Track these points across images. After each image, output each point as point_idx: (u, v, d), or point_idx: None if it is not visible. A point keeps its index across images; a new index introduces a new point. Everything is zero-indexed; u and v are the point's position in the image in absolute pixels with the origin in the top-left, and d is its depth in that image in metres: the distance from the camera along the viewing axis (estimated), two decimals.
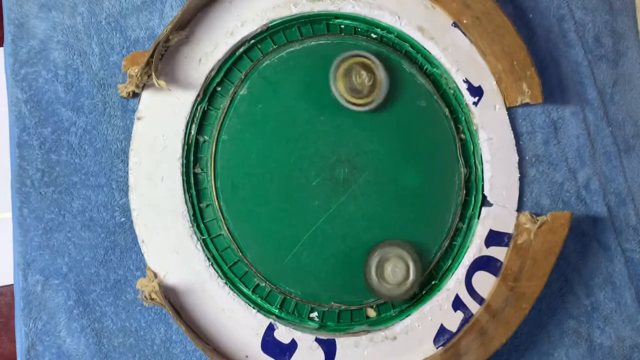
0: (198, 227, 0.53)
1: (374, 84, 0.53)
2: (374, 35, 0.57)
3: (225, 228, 0.52)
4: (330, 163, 0.54)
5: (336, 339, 0.54)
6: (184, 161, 0.53)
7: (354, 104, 0.53)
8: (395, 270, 0.53)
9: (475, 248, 0.57)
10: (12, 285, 0.53)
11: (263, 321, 0.53)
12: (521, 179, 0.59)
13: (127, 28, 0.54)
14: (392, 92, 0.55)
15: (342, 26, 0.57)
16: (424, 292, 0.56)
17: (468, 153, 0.58)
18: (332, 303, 0.54)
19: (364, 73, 0.53)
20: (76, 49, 0.53)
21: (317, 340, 0.53)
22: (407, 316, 0.55)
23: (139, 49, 0.54)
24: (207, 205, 0.53)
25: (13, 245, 0.52)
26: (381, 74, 0.53)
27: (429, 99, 0.57)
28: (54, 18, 0.53)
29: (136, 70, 0.50)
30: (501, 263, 0.57)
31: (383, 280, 0.53)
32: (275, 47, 0.55)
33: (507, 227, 0.58)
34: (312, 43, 0.55)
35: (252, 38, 0.55)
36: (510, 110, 0.59)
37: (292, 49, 0.55)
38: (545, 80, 0.60)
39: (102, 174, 0.52)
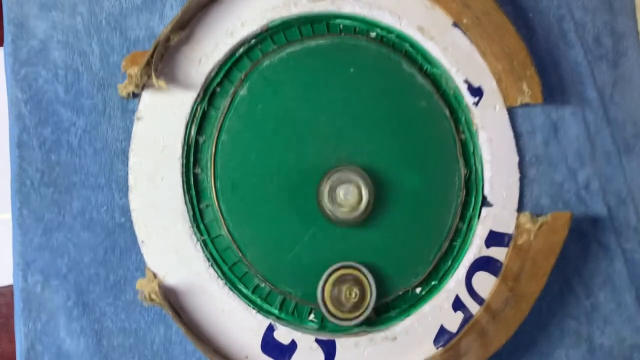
0: (198, 227, 0.53)
1: (360, 302, 0.52)
2: (373, 35, 0.57)
3: (225, 228, 0.52)
4: (331, 163, 0.54)
5: (336, 340, 0.54)
6: (184, 161, 0.53)
7: (335, 316, 0.52)
8: (347, 194, 0.52)
9: (475, 248, 0.57)
10: (11, 285, 0.53)
11: (263, 322, 0.53)
12: (521, 179, 0.59)
13: (127, 28, 0.54)
14: (392, 92, 0.55)
15: (342, 26, 0.57)
16: (424, 292, 0.56)
17: (468, 153, 0.58)
18: None
19: (353, 289, 0.52)
20: (76, 49, 0.53)
21: (317, 340, 0.53)
22: (407, 316, 0.55)
23: (139, 49, 0.54)
24: (207, 206, 0.53)
25: (13, 245, 0.52)
26: (371, 294, 0.52)
27: (429, 99, 0.57)
28: (54, 18, 0.53)
29: (136, 70, 0.50)
30: (501, 263, 0.57)
31: (337, 204, 0.52)
32: (275, 47, 0.55)
33: (507, 227, 0.58)
34: (312, 43, 0.55)
35: (252, 38, 0.55)
36: (510, 110, 0.59)
37: (292, 49, 0.55)
38: (545, 80, 0.60)
39: (102, 174, 0.52)
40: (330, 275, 0.52)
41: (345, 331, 0.54)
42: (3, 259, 0.61)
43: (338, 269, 0.52)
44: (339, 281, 0.52)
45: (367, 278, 0.52)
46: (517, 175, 0.59)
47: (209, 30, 0.54)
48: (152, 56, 0.50)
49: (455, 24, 0.58)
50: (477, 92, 0.58)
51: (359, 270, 0.52)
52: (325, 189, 0.52)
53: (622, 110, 0.64)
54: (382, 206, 0.55)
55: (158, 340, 0.52)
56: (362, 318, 0.52)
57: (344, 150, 0.54)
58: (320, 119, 0.54)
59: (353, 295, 0.52)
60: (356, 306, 0.52)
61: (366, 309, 0.52)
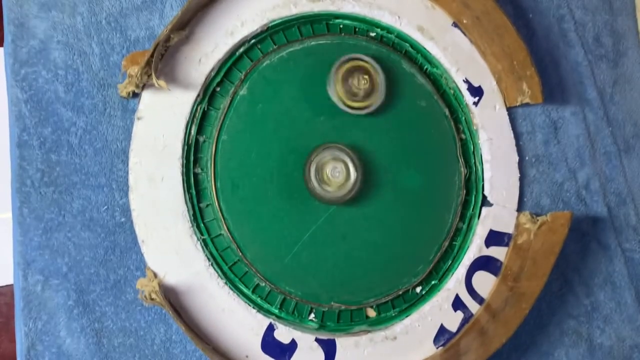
0: (198, 227, 0.53)
1: (371, 87, 0.53)
2: (373, 35, 0.57)
3: (225, 228, 0.52)
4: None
5: (336, 339, 0.54)
6: (184, 161, 0.53)
7: (351, 107, 0.53)
8: (334, 172, 0.52)
9: (475, 248, 0.57)
10: (12, 285, 0.53)
11: (263, 321, 0.53)
12: (521, 179, 0.59)
13: (127, 28, 0.54)
14: (392, 92, 0.55)
15: (342, 26, 0.57)
16: (424, 291, 0.56)
17: (468, 153, 0.58)
18: (332, 303, 0.54)
19: (361, 77, 0.53)
20: (76, 48, 0.53)
21: (317, 340, 0.53)
22: (407, 316, 0.55)
23: (139, 49, 0.54)
24: (207, 205, 0.53)
25: (13, 245, 0.52)
26: (379, 77, 0.53)
27: (429, 99, 0.57)
28: (54, 18, 0.53)
29: (136, 70, 0.50)
30: (501, 263, 0.57)
31: (324, 184, 0.52)
32: (275, 47, 0.55)
33: (507, 227, 0.58)
34: (312, 43, 0.55)
35: (252, 38, 0.55)
36: (510, 110, 0.59)
37: (292, 49, 0.55)
38: (545, 80, 0.60)
39: (102, 174, 0.52)
40: (338, 69, 0.53)
41: (346, 330, 0.54)
42: (3, 259, 0.61)
43: (345, 61, 0.53)
44: (348, 73, 0.53)
45: (373, 67, 0.53)
46: (517, 175, 0.59)
47: (209, 30, 0.54)
48: (152, 56, 0.50)
49: (455, 24, 0.58)
50: (477, 91, 0.58)
51: (365, 61, 0.53)
52: (312, 168, 0.52)
53: (622, 110, 0.64)
54: (382, 206, 0.55)
55: (158, 340, 0.52)
56: (377, 104, 0.53)
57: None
58: (320, 118, 0.54)
59: (363, 82, 0.53)
60: (368, 94, 0.53)
61: (378, 94, 0.53)
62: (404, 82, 0.56)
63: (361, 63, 0.53)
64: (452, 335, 0.56)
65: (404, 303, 0.56)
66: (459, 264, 0.57)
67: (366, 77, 0.53)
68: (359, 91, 0.53)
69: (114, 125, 0.53)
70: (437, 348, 0.55)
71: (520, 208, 0.59)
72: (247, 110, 0.53)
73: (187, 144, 0.53)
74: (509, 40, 0.57)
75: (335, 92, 0.53)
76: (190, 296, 0.52)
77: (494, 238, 0.57)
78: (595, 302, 0.61)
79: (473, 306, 0.56)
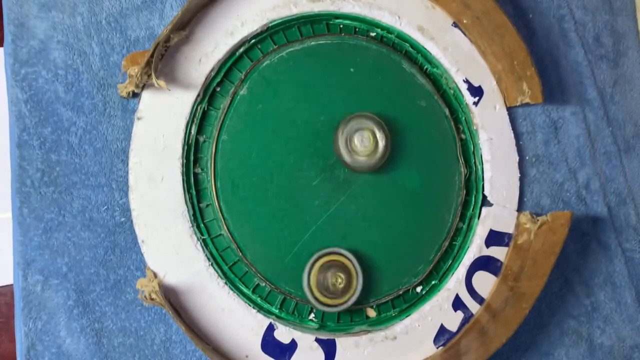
0: (198, 227, 0.53)
1: (348, 286, 0.52)
2: (373, 35, 0.57)
3: (225, 228, 0.52)
4: (330, 163, 0.54)
5: (336, 339, 0.54)
6: (184, 161, 0.53)
7: (322, 303, 0.52)
8: (363, 140, 0.52)
9: (475, 248, 0.57)
10: (12, 285, 0.53)
11: (263, 321, 0.53)
12: (521, 179, 0.59)
13: (127, 28, 0.54)
14: (392, 92, 0.55)
15: (342, 26, 0.57)
16: (424, 291, 0.56)
17: (468, 153, 0.58)
18: None
19: (339, 275, 0.52)
20: (76, 49, 0.53)
21: (317, 340, 0.53)
22: (407, 316, 0.55)
23: (139, 49, 0.54)
24: (207, 205, 0.53)
25: (13, 245, 0.52)
26: (357, 277, 0.52)
27: (429, 99, 0.57)
28: (54, 18, 0.53)
29: (136, 70, 0.50)
30: (501, 263, 0.57)
31: (354, 153, 0.52)
32: (275, 47, 0.55)
33: (508, 227, 0.58)
34: (312, 43, 0.55)
35: (252, 38, 0.55)
36: (511, 110, 0.59)
37: (292, 49, 0.55)
38: (545, 80, 0.60)
39: (102, 174, 0.52)
40: (314, 263, 0.52)
41: (346, 330, 0.54)
42: (3, 259, 0.61)
43: (322, 256, 0.52)
44: (324, 268, 0.52)
45: (352, 263, 0.52)
46: (517, 175, 0.59)
47: (209, 30, 0.54)
48: (152, 56, 0.50)
49: (455, 24, 0.58)
50: (477, 91, 0.58)
51: (344, 255, 0.52)
52: (342, 137, 0.52)
53: (622, 110, 0.64)
54: (382, 206, 0.55)
55: (158, 340, 0.52)
56: (350, 302, 0.52)
57: None
58: (320, 118, 0.54)
59: (339, 280, 0.52)
60: (344, 291, 0.52)
61: (354, 293, 0.52)
62: (404, 82, 0.56)
63: (341, 259, 0.52)
64: (452, 335, 0.56)
65: (404, 303, 0.56)
66: (459, 264, 0.57)
67: (342, 275, 0.52)
68: (334, 289, 0.52)
69: (114, 125, 0.53)
70: (437, 348, 0.55)
71: (520, 208, 0.59)
72: (247, 110, 0.53)
73: (187, 144, 0.53)
74: (509, 40, 0.57)
75: (308, 285, 0.52)
76: (190, 296, 0.52)
77: (494, 238, 0.57)
78: (595, 302, 0.61)
79: (473, 306, 0.56)
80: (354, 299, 0.52)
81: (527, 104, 0.59)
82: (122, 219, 0.52)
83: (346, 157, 0.52)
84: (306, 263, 0.52)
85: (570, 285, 0.60)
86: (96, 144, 0.53)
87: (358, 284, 0.52)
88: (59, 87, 0.53)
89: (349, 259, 0.52)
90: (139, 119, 0.52)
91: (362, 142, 0.52)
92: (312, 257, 0.52)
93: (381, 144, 0.52)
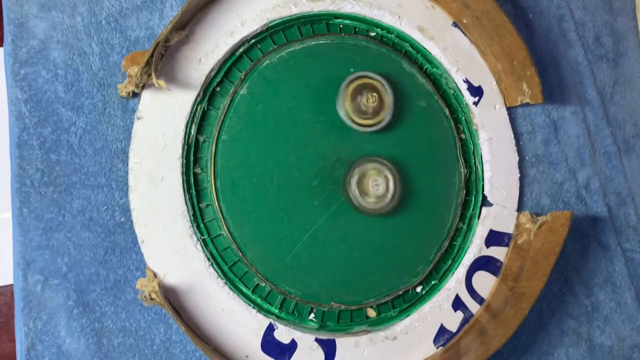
0: (198, 227, 0.53)
1: (380, 105, 0.53)
2: (373, 35, 0.57)
3: (225, 228, 0.52)
4: (330, 163, 0.54)
5: (336, 339, 0.54)
6: (184, 161, 0.53)
7: (359, 124, 0.53)
8: (375, 184, 0.53)
9: (475, 248, 0.57)
10: (12, 285, 0.53)
11: (263, 321, 0.53)
12: (521, 179, 0.59)
13: (127, 28, 0.54)
14: (392, 92, 0.55)
15: (342, 26, 0.57)
16: (424, 291, 0.56)
17: (468, 153, 0.58)
18: (332, 303, 0.54)
19: (370, 95, 0.53)
20: (76, 48, 0.53)
21: (317, 340, 0.53)
22: (407, 316, 0.55)
23: (139, 49, 0.54)
24: (207, 205, 0.53)
25: (13, 245, 0.52)
26: (388, 96, 0.53)
27: (429, 99, 0.57)
28: (53, 18, 0.53)
29: (136, 70, 0.50)
30: (501, 263, 0.57)
31: (365, 195, 0.53)
32: (275, 47, 0.55)
33: (507, 227, 0.58)
34: (312, 43, 0.55)
35: (252, 38, 0.55)
36: (510, 110, 0.59)
37: (292, 49, 0.55)
38: (545, 80, 0.60)
39: (102, 174, 0.52)
40: (347, 87, 0.53)
41: (346, 330, 0.54)
42: (3, 259, 0.61)
43: (353, 80, 0.53)
44: (357, 91, 0.53)
45: (382, 84, 0.53)
46: (517, 175, 0.59)
47: (209, 30, 0.54)
48: (152, 56, 0.50)
49: (455, 24, 0.58)
50: (477, 91, 0.58)
51: (373, 78, 0.54)
52: (354, 180, 0.53)
53: (622, 110, 0.64)
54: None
55: (158, 340, 0.52)
56: (386, 121, 0.54)
57: (344, 150, 0.55)
58: (320, 118, 0.54)
59: (372, 100, 0.53)
60: (376, 111, 0.53)
61: (388, 110, 0.54)
62: (404, 82, 0.56)
63: (370, 81, 0.53)
64: (452, 335, 0.56)
65: (404, 303, 0.56)
66: (459, 264, 0.57)
67: (375, 94, 0.53)
68: (367, 109, 0.53)
69: (114, 125, 0.53)
70: (437, 348, 0.55)
71: (520, 208, 0.59)
72: (247, 110, 0.53)
73: (187, 143, 0.53)
74: (509, 40, 0.57)
75: (344, 109, 0.53)
76: (190, 296, 0.52)
77: (494, 238, 0.57)
78: (595, 302, 0.61)
79: (473, 306, 0.56)
80: (388, 116, 0.54)
81: (527, 104, 0.59)
82: (122, 219, 0.52)
83: (358, 199, 0.53)
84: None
85: (570, 285, 0.60)
86: (96, 144, 0.53)
87: (389, 101, 0.54)
88: (58, 87, 0.52)
89: (378, 81, 0.53)
90: (138, 118, 0.52)
91: (375, 187, 0.53)
92: (342, 83, 0.53)
93: (391, 188, 0.53)
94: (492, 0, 0.57)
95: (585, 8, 0.64)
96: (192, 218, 0.53)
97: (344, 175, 0.53)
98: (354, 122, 0.53)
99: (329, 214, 0.54)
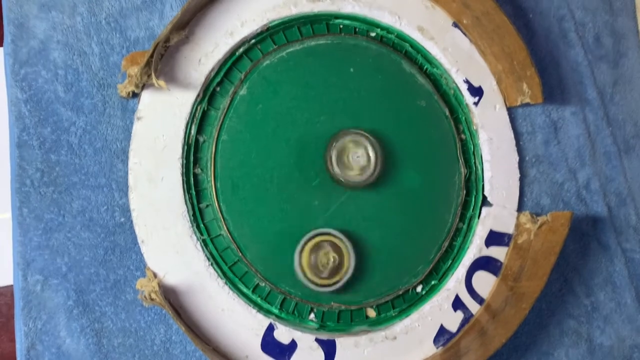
0: (198, 227, 0.53)
1: (339, 266, 0.52)
2: (373, 35, 0.57)
3: (225, 228, 0.52)
4: None
5: (336, 339, 0.54)
6: (184, 161, 0.53)
7: (313, 282, 0.52)
8: (355, 156, 0.52)
9: (475, 248, 0.57)
10: (12, 285, 0.53)
11: (263, 321, 0.53)
12: (521, 179, 0.59)
13: (127, 28, 0.54)
14: (392, 92, 0.55)
15: (342, 26, 0.57)
16: (424, 292, 0.56)
17: (468, 153, 0.58)
18: (332, 303, 0.54)
19: (330, 254, 0.52)
20: (76, 49, 0.53)
21: (317, 340, 0.53)
22: (407, 316, 0.55)
23: (138, 49, 0.54)
24: (207, 206, 0.53)
25: (13, 245, 0.52)
26: (350, 260, 0.52)
27: (429, 99, 0.57)
28: (53, 18, 0.53)
29: (136, 70, 0.50)
30: (501, 263, 0.57)
31: (347, 168, 0.52)
32: (275, 47, 0.55)
33: (507, 227, 0.58)
34: (312, 43, 0.55)
35: (252, 38, 0.55)
36: (511, 110, 0.59)
37: (292, 49, 0.55)
38: (545, 80, 0.60)
39: (102, 174, 0.52)
40: (306, 243, 0.52)
41: (346, 330, 0.54)
42: (3, 259, 0.61)
43: (313, 237, 0.52)
44: (316, 248, 0.52)
45: (344, 243, 0.52)
46: (517, 175, 0.59)
47: (208, 30, 0.54)
48: (151, 56, 0.50)
49: (455, 24, 0.58)
50: (477, 92, 0.58)
51: (335, 236, 0.52)
52: (334, 154, 0.52)
53: (622, 111, 0.64)
54: (382, 206, 0.55)
55: (158, 340, 0.52)
56: (342, 283, 0.52)
57: None
58: (320, 118, 0.54)
59: (331, 260, 0.52)
60: (335, 271, 0.52)
61: (346, 272, 0.52)
62: (404, 82, 0.56)
63: (332, 238, 0.52)
64: (452, 335, 0.56)
65: (404, 303, 0.56)
66: (459, 264, 0.57)
67: (334, 255, 0.52)
68: (324, 269, 0.52)
69: (114, 125, 0.53)
70: (437, 348, 0.55)
71: (520, 208, 0.59)
72: (247, 110, 0.53)
73: (187, 144, 0.53)
74: (509, 40, 0.57)
75: (300, 265, 0.52)
76: (190, 296, 0.52)
77: (494, 238, 0.57)
78: (595, 302, 0.61)
79: (473, 306, 0.56)
80: (346, 277, 0.52)
81: (527, 104, 0.59)
82: (122, 219, 0.52)
83: (338, 172, 0.52)
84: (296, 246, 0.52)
85: (570, 285, 0.60)
86: (96, 144, 0.53)
87: (350, 262, 0.52)
88: (58, 87, 0.53)
89: (339, 239, 0.52)
90: (138, 119, 0.52)
91: (355, 159, 0.52)
92: (302, 239, 0.52)
93: (372, 159, 0.52)
94: (492, 0, 0.57)
95: (585, 8, 0.64)
96: (192, 218, 0.53)
97: (324, 153, 0.52)
98: (307, 278, 0.52)
99: (329, 213, 0.54)
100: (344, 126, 0.54)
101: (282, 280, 0.53)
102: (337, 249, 0.52)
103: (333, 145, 0.52)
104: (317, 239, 0.52)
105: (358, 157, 0.52)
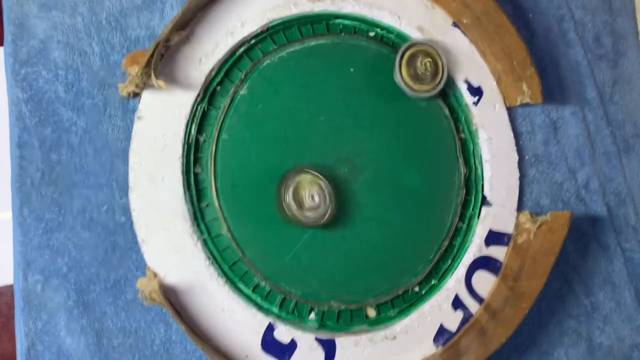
0: (198, 226, 0.53)
1: (435, 69, 0.55)
2: (373, 35, 0.57)
3: (226, 228, 0.52)
4: (330, 163, 0.54)
5: (336, 339, 0.54)
6: (184, 161, 0.53)
7: (416, 90, 0.55)
8: (311, 195, 0.52)
9: (475, 248, 0.57)
10: (12, 285, 0.53)
11: (263, 321, 0.53)
12: (521, 179, 0.59)
13: (127, 27, 0.54)
14: (392, 91, 0.56)
15: (342, 26, 0.57)
16: (424, 292, 0.56)
17: (468, 153, 0.58)
18: (332, 303, 0.54)
19: (426, 60, 0.54)
20: (76, 48, 0.53)
21: (317, 339, 0.53)
22: (406, 316, 0.55)
23: (139, 49, 0.54)
24: (207, 205, 0.53)
25: (13, 245, 0.52)
26: (443, 61, 0.55)
27: (429, 99, 0.57)
28: (54, 18, 0.53)
29: (136, 69, 0.50)
30: (501, 263, 0.57)
31: (302, 207, 0.52)
32: (275, 47, 0.55)
33: (507, 226, 0.58)
34: (312, 43, 0.55)
35: (252, 38, 0.55)
36: (510, 110, 0.59)
37: (292, 49, 0.55)
38: (545, 80, 0.60)
39: (102, 173, 0.52)
40: (402, 55, 0.55)
41: (345, 330, 0.54)
42: (3, 259, 0.61)
43: (408, 47, 0.55)
44: (412, 58, 0.55)
45: (436, 51, 0.55)
46: (516, 174, 0.59)
47: (209, 30, 0.54)
48: (152, 56, 0.50)
49: (455, 24, 0.58)
50: (477, 91, 0.58)
51: (427, 45, 0.55)
52: (289, 193, 0.52)
53: (622, 110, 0.64)
54: (382, 205, 0.55)
55: (158, 340, 0.52)
56: (442, 85, 0.55)
57: (344, 150, 0.55)
58: (320, 118, 0.54)
59: (428, 65, 0.55)
60: (434, 75, 0.55)
61: (442, 76, 0.55)
62: None
63: (424, 48, 0.55)
64: (452, 335, 0.56)
65: (403, 303, 0.56)
66: (458, 263, 0.57)
67: (429, 59, 0.55)
68: (424, 75, 0.55)
69: (114, 125, 0.53)
70: (437, 348, 0.55)
71: (520, 208, 0.59)
72: (248, 110, 0.54)
73: (187, 143, 0.53)
74: (509, 40, 0.57)
75: (401, 76, 0.55)
76: (190, 296, 0.52)
77: (494, 238, 0.57)
78: (595, 302, 0.61)
79: (473, 306, 0.56)
80: (444, 80, 0.55)
81: (527, 104, 0.59)
82: (122, 219, 0.52)
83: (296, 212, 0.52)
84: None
85: (569, 285, 0.60)
86: (96, 143, 0.53)
87: (444, 65, 0.55)
88: (59, 87, 0.52)
89: (432, 47, 0.55)
90: (139, 118, 0.52)
91: (312, 198, 0.52)
92: (400, 48, 0.55)
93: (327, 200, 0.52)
94: (492, 0, 0.57)
95: (585, 8, 0.64)
96: (193, 218, 0.53)
97: (278, 187, 0.52)
98: (411, 89, 0.55)
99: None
100: (344, 126, 0.54)
101: (282, 280, 0.53)
102: (429, 56, 0.55)
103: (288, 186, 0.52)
104: (413, 49, 0.55)
105: (313, 197, 0.52)
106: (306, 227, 0.52)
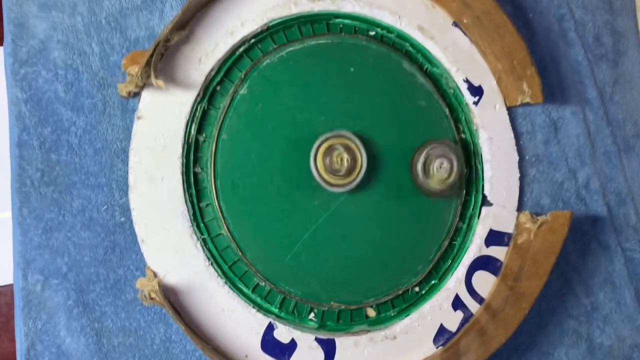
0: (198, 226, 0.53)
1: (353, 165, 0.53)
2: (373, 35, 0.57)
3: (225, 227, 0.52)
4: None
5: (336, 339, 0.54)
6: (184, 160, 0.53)
7: (331, 184, 0.53)
8: (440, 167, 0.53)
9: (475, 248, 0.57)
10: (12, 285, 0.53)
11: (263, 321, 0.53)
12: (521, 179, 0.59)
13: (127, 27, 0.54)
14: (392, 91, 0.55)
15: (342, 26, 0.57)
16: (424, 292, 0.56)
17: (468, 152, 0.58)
18: (332, 303, 0.54)
19: (344, 154, 0.52)
20: (76, 48, 0.53)
21: (316, 339, 0.53)
22: (406, 316, 0.55)
23: (139, 49, 0.54)
24: (207, 205, 0.53)
25: (13, 245, 0.52)
26: (362, 157, 0.53)
27: (429, 99, 0.57)
28: (53, 18, 0.53)
29: (136, 69, 0.50)
30: (501, 263, 0.57)
31: (429, 178, 0.53)
32: (275, 46, 0.55)
33: (507, 226, 0.58)
34: (312, 43, 0.55)
35: (252, 37, 0.55)
36: (511, 110, 0.59)
37: (292, 49, 0.55)
38: (545, 79, 0.60)
39: (102, 173, 0.52)
40: (319, 146, 0.53)
41: (345, 330, 0.54)
42: (3, 259, 0.61)
43: (326, 139, 0.53)
44: (330, 150, 0.53)
45: (355, 143, 0.53)
46: (517, 174, 0.59)
47: (209, 30, 0.54)
48: (152, 56, 0.50)
49: (456, 24, 0.58)
50: (477, 91, 0.58)
51: (347, 137, 0.53)
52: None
53: (622, 110, 0.64)
54: (382, 206, 0.55)
55: (158, 340, 0.52)
56: (357, 181, 0.53)
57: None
58: (320, 118, 0.54)
59: (345, 161, 0.52)
60: (350, 171, 0.53)
61: (360, 170, 0.53)
62: (404, 82, 0.56)
63: (344, 140, 0.53)
64: (452, 335, 0.56)
65: (403, 303, 0.56)
66: (458, 263, 0.57)
67: (347, 156, 0.52)
68: (340, 168, 0.52)
69: (114, 125, 0.53)
70: (437, 348, 0.55)
71: (520, 208, 0.59)
72: (247, 110, 0.53)
73: (187, 143, 0.53)
74: (509, 40, 0.57)
75: (317, 168, 0.52)
76: (190, 296, 0.52)
77: (494, 238, 0.57)
78: (595, 301, 0.61)
79: (473, 306, 0.56)
80: (360, 176, 0.53)
81: (527, 104, 0.59)
82: (122, 219, 0.52)
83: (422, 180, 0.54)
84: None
85: (570, 285, 0.60)
86: (96, 143, 0.53)
87: (363, 162, 0.53)
88: (58, 87, 0.53)
89: (351, 140, 0.53)
90: (138, 118, 0.52)
91: (439, 170, 0.54)
92: (315, 142, 0.53)
93: (456, 169, 0.54)
94: (492, 0, 0.57)
95: (585, 8, 0.64)
96: (192, 217, 0.53)
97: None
98: (325, 181, 0.53)
99: (329, 213, 0.54)
100: (344, 126, 0.54)
101: (282, 280, 0.53)
102: (349, 150, 0.53)
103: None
104: (329, 142, 0.53)
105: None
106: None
